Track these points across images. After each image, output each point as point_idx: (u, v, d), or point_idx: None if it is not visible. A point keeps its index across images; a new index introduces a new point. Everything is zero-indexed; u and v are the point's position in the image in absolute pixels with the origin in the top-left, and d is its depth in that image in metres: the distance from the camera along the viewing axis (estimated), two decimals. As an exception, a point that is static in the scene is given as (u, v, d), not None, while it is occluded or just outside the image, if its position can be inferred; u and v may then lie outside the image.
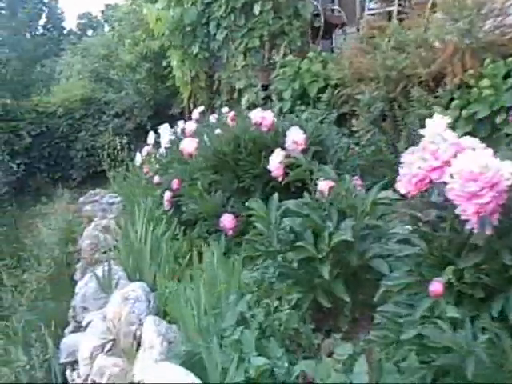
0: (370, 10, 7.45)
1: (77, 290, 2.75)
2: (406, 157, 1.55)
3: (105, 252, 3.43)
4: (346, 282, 2.09)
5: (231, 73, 6.10)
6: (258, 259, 2.47)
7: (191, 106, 6.94)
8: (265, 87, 5.93)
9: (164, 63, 9.51)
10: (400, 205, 1.75)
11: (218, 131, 3.27)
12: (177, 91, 10.65)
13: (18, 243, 4.92)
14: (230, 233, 2.72)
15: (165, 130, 4.82)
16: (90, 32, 25.51)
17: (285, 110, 5.23)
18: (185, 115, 9.31)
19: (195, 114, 4.25)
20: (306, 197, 2.35)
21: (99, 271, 2.64)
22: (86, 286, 2.65)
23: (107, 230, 3.82)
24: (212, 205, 2.96)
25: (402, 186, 1.55)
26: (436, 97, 3.96)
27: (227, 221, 2.71)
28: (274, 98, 5.53)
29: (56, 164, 10.16)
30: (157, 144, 5.40)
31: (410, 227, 1.68)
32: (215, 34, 6.13)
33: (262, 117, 2.81)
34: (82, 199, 5.18)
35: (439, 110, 3.60)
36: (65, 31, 25.94)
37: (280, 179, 2.60)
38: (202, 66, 6.39)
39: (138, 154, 5.25)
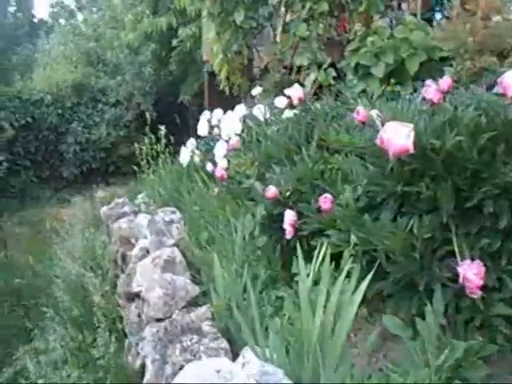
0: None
1: None
2: None
3: (184, 306, 2.13)
4: None
5: (286, 48, 4.80)
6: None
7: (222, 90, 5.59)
8: (331, 65, 4.68)
9: (174, 42, 8.16)
10: None
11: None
12: (183, 77, 9.31)
13: (13, 272, 3.51)
14: (477, 292, 1.45)
15: (228, 117, 3.49)
16: (62, 21, 23.59)
17: (372, 91, 3.98)
18: (204, 104, 7.98)
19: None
20: None
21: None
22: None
23: (173, 266, 2.51)
24: (404, 236, 1.66)
25: None
26: None
27: (478, 274, 1.42)
28: (351, 76, 4.27)
29: (44, 160, 8.62)
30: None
31: None
32: (266, -3, 4.81)
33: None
34: (105, 209, 3.80)
35: None
36: (35, 19, 23.95)
37: None
38: (246, 38, 5.06)
39: (183, 149, 3.87)
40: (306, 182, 2.31)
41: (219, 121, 3.68)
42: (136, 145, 4.32)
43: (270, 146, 2.62)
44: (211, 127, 3.82)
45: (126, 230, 3.23)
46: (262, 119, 3.34)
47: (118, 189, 8.14)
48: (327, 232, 1.98)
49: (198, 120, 4.23)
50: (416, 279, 1.61)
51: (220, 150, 3.28)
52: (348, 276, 1.51)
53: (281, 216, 2.28)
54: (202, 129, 3.76)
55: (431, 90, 1.72)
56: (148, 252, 2.81)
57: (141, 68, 8.74)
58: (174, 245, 2.69)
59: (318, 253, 1.84)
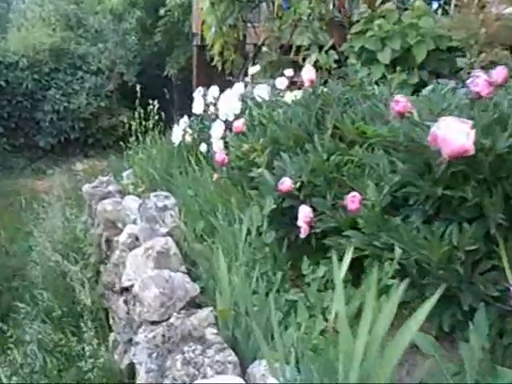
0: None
1: None
2: None
3: (183, 307, 1.92)
4: None
5: (286, 25, 4.53)
6: None
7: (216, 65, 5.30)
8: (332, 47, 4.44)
9: (161, 11, 7.76)
10: None
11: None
12: (169, 49, 8.90)
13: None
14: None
15: (227, 96, 3.23)
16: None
17: (376, 78, 3.79)
18: (192, 80, 7.64)
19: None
20: None
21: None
22: None
23: (167, 258, 2.30)
24: (444, 246, 1.48)
25: None
26: None
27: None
28: (353, 60, 4.06)
29: (18, 128, 8.16)
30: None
31: None
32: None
33: None
34: (88, 188, 3.53)
35: None
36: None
37: None
38: (242, 12, 4.78)
39: (175, 127, 3.59)
40: (320, 174, 2.11)
41: (215, 98, 3.43)
42: (125, 119, 4.02)
43: (276, 130, 2.40)
44: (206, 105, 3.56)
45: (111, 212, 2.97)
46: (267, 99, 3.11)
47: (97, 162, 7.82)
48: (346, 232, 1.80)
49: (183, 96, 3.95)
50: (457, 295, 1.44)
51: (217, 130, 3.05)
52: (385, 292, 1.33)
53: (290, 209, 2.09)
54: (198, 106, 3.50)
55: (480, 82, 1.53)
56: (137, 239, 2.58)
57: (124, 36, 8.32)
58: (168, 234, 2.47)
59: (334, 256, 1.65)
